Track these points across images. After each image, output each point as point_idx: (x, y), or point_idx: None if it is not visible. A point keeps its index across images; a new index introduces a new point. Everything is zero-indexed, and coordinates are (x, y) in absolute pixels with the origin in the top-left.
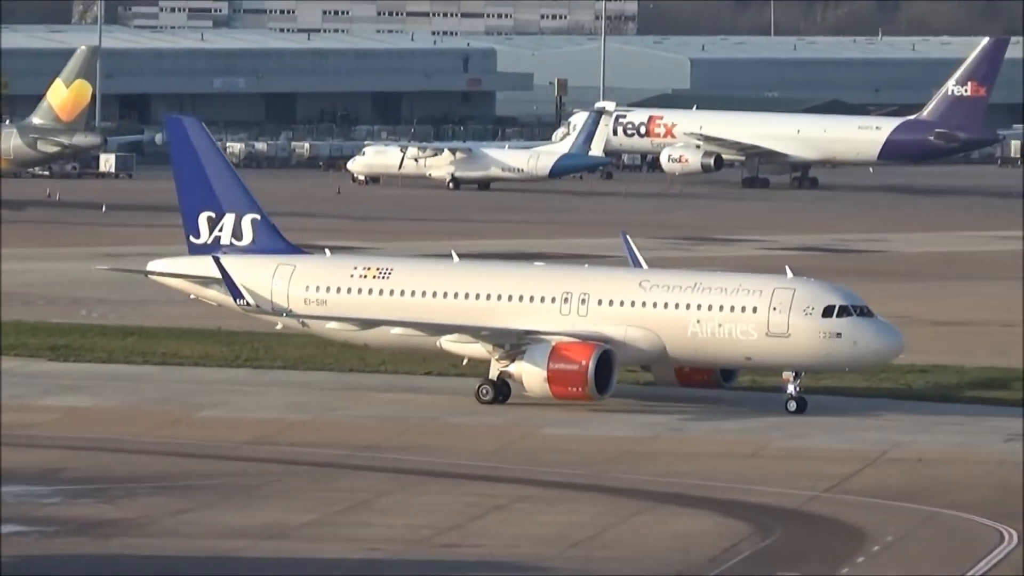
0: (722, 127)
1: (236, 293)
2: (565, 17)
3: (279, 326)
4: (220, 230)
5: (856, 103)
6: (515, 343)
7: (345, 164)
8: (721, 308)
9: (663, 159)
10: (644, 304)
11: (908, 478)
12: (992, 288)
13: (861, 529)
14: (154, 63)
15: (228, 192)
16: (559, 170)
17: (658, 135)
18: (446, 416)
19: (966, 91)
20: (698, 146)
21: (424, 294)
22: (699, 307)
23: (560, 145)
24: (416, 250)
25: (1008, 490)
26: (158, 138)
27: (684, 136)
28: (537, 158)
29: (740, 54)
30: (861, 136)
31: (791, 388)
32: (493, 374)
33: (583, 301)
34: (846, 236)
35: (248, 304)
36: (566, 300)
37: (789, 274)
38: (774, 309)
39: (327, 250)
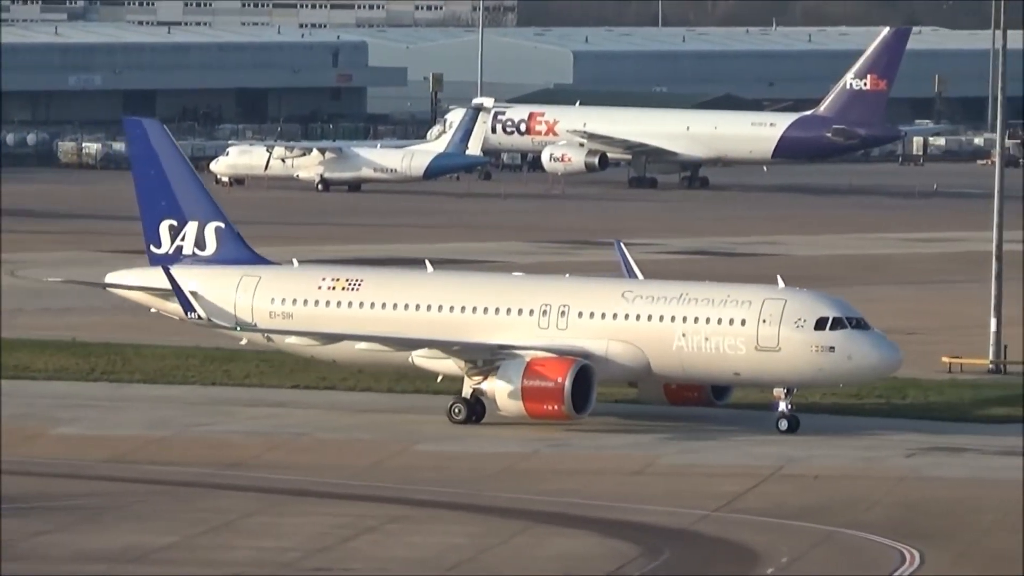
0: (607, 124)
1: (187, 306)
2: (441, 8)
3: (244, 341)
4: (182, 239)
5: (749, 98)
6: (488, 359)
7: (208, 165)
8: (708, 320)
9: (545, 158)
10: (627, 316)
11: (804, 496)
12: (894, 293)
13: (754, 550)
14: (5, 58)
15: (190, 199)
16: (434, 170)
17: (539, 133)
18: (316, 431)
19: (865, 84)
20: (582, 144)
21: (396, 306)
22: (685, 319)
23: (435, 144)
24: (285, 255)
25: (911, 508)
26: (10, 138)
27: (567, 134)
28: (411, 158)
29: (626, 46)
30: (754, 133)
31: (782, 406)
32: (466, 392)
33: (563, 314)
34: (739, 239)
35: (200, 318)
36: (545, 313)
37: (780, 284)
38: (763, 321)
39: (295, 260)
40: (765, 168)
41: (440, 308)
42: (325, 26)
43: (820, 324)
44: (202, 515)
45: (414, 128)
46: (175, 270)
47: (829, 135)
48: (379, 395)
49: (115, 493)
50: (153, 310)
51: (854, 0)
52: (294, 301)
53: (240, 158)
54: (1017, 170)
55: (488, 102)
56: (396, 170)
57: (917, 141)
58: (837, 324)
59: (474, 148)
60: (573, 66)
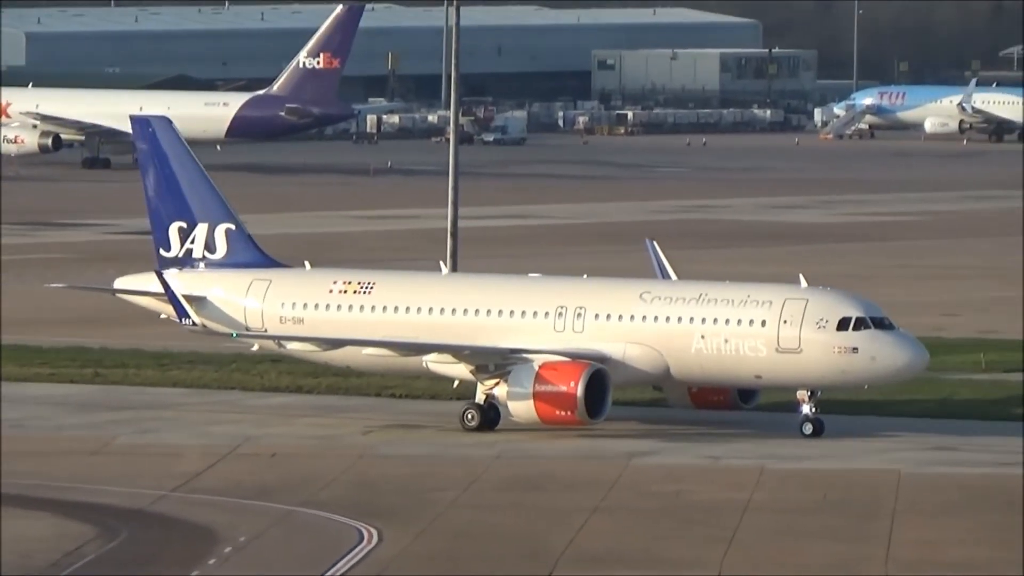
0: (60, 105)
1: (181, 311)
2: None
3: (255, 347)
4: (192, 242)
5: (203, 78)
6: (500, 363)
7: None
8: (727, 321)
9: None
10: (644, 318)
11: (262, 474)
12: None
13: (212, 529)
14: None
15: (200, 200)
16: None
17: None
18: None
19: (319, 63)
20: (35, 126)
21: (408, 310)
22: (704, 321)
23: None
24: None
25: (368, 487)
26: None
27: (20, 116)
28: None
29: (79, 27)
30: (207, 113)
31: (806, 408)
32: (479, 397)
33: (579, 315)
34: None
35: (195, 324)
36: (560, 315)
37: (803, 283)
38: (784, 322)
39: (307, 263)
40: (218, 147)
41: (454, 311)
42: None
43: (843, 324)
44: None
45: None
46: (186, 275)
47: (283, 114)
48: None
49: None
50: (163, 316)
51: None
52: (304, 305)
53: None
54: (472, 147)
55: None
56: None
57: (371, 119)
58: (860, 324)
59: None
60: (26, 47)
